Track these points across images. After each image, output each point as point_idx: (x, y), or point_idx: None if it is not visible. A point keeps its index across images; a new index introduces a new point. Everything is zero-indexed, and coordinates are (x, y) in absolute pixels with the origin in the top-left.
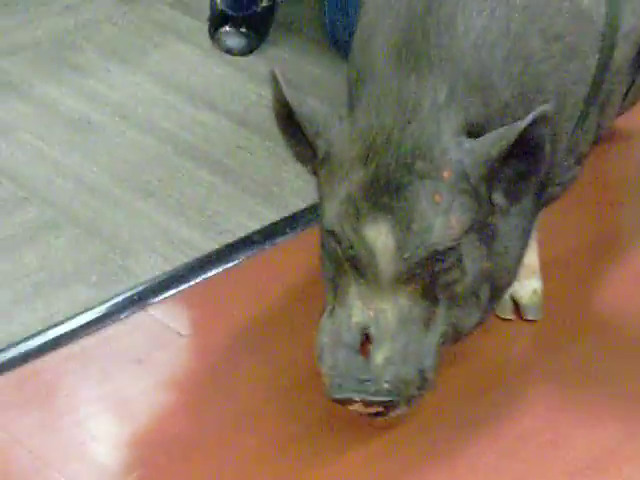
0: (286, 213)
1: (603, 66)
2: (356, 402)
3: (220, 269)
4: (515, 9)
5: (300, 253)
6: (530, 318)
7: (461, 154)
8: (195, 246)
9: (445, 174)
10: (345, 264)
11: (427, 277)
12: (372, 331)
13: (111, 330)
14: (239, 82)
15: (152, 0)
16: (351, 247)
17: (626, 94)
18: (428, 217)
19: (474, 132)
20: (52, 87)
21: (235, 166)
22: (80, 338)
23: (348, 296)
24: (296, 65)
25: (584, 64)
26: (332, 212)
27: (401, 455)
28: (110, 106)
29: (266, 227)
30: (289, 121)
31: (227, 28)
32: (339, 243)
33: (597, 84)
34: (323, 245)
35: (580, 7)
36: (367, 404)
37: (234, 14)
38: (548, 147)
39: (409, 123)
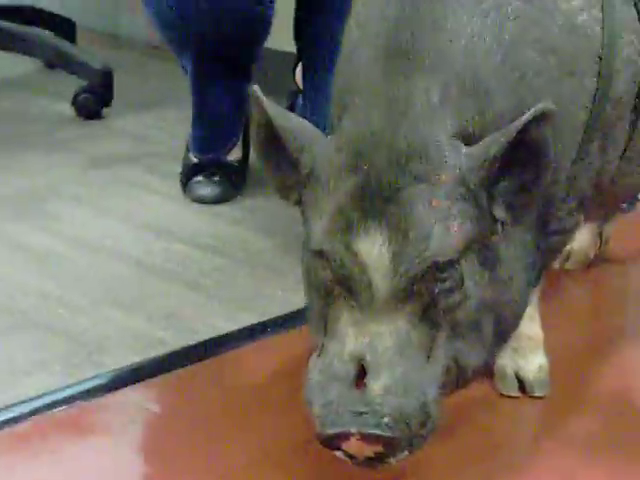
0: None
1: (602, 91)
2: (353, 437)
3: (192, 365)
4: (507, 17)
5: (273, 354)
6: (537, 394)
7: (459, 157)
8: (168, 344)
9: (442, 177)
10: (335, 289)
11: (427, 296)
12: (368, 359)
13: (77, 408)
14: (212, 223)
15: (121, 164)
16: (342, 265)
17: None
18: (426, 223)
19: (469, 141)
20: (23, 230)
21: (210, 284)
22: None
23: (339, 325)
24: (274, 213)
25: (581, 84)
26: (319, 230)
27: None
28: (78, 241)
29: (240, 330)
30: (270, 142)
31: (199, 177)
32: (328, 264)
33: (597, 111)
34: (309, 278)
35: (574, 21)
36: (365, 439)
37: (204, 159)
38: (551, 150)
39: (401, 124)
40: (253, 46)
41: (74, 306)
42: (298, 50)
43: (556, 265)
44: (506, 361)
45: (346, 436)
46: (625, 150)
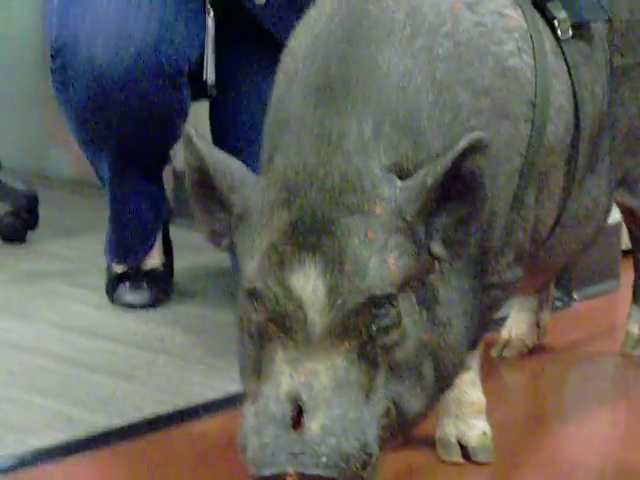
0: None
1: (536, 139)
2: (290, 478)
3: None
4: (438, 57)
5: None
6: (480, 460)
7: (393, 189)
8: (97, 426)
9: (377, 209)
10: (270, 329)
11: (364, 333)
12: (304, 398)
13: None
14: (141, 325)
15: (46, 279)
16: (276, 302)
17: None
18: (362, 256)
19: (403, 178)
20: None
21: (140, 374)
22: None
23: (274, 366)
24: (204, 316)
25: (516, 128)
26: (252, 268)
27: None
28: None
29: (170, 413)
30: (203, 185)
31: (126, 284)
32: (262, 303)
33: (531, 159)
34: (242, 323)
35: (505, 64)
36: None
37: (128, 267)
38: (486, 182)
39: (334, 157)
40: (169, 138)
41: None
42: None
43: (494, 353)
44: (448, 428)
45: (283, 477)
46: (561, 215)
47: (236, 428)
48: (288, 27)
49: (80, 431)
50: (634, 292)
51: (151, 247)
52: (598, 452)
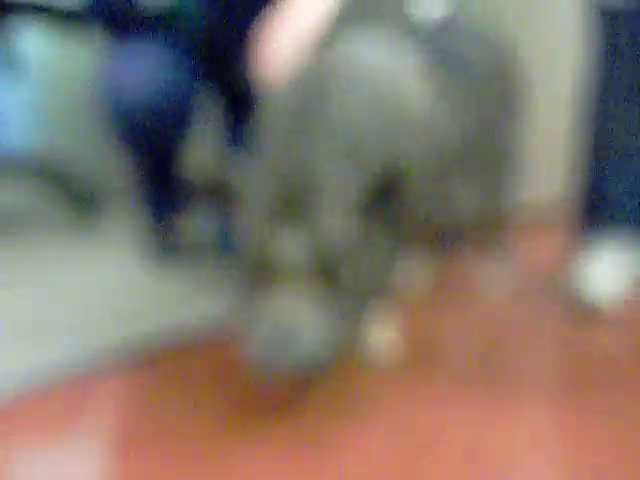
0: None
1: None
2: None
3: None
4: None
5: None
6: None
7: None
8: None
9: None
10: (262, 271)
11: (329, 273)
12: (284, 317)
13: None
14: None
15: None
16: (264, 252)
17: None
18: (328, 227)
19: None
20: None
21: None
22: None
23: (266, 297)
24: None
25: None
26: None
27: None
28: None
29: None
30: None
31: None
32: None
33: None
34: (244, 252)
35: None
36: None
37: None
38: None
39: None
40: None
41: None
42: None
43: None
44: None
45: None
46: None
47: None
48: None
49: None
50: None
51: None
52: None
